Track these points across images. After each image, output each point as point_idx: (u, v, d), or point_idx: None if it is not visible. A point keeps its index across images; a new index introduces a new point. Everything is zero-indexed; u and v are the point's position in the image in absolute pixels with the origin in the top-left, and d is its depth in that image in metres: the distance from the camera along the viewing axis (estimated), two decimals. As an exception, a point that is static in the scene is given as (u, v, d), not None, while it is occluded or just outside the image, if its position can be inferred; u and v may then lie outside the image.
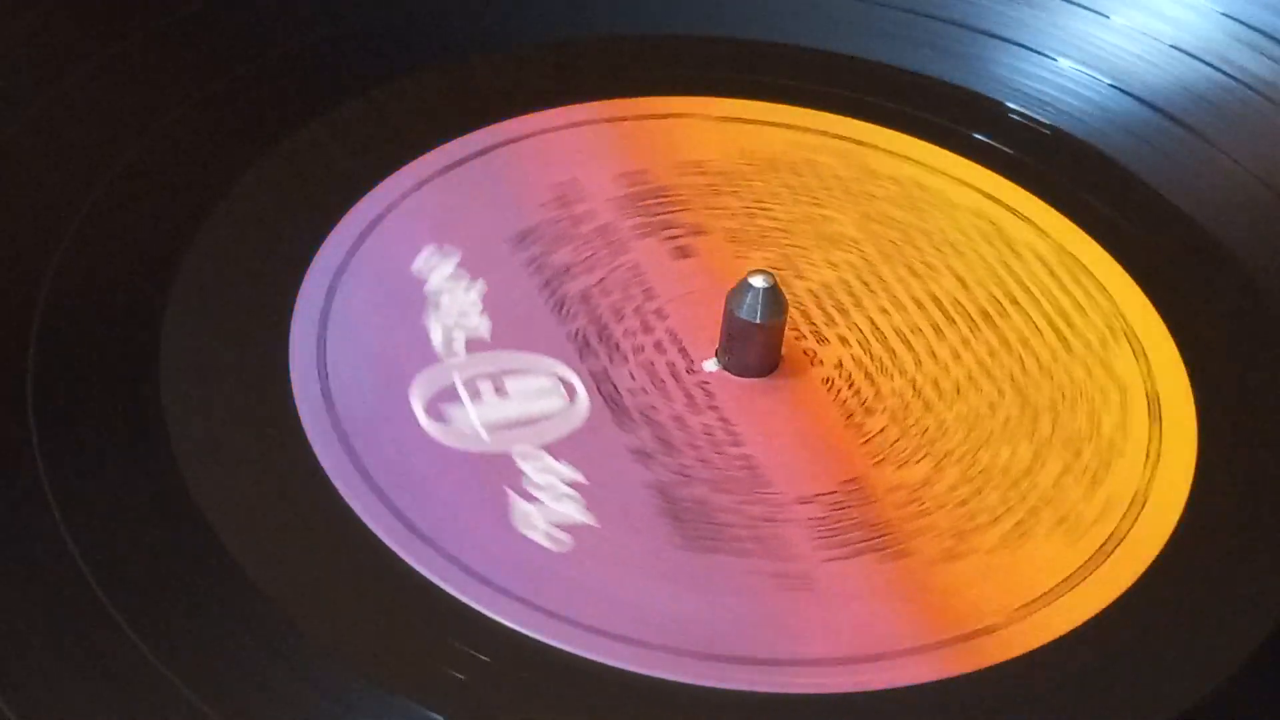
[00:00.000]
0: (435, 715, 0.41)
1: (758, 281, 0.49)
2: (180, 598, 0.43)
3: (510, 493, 0.46)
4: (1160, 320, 0.52)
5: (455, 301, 0.51)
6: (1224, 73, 0.60)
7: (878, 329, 0.51)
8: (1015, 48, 0.61)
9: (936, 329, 0.51)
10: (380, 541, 0.45)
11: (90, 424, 0.46)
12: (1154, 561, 0.46)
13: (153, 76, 0.55)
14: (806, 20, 0.61)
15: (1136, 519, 0.47)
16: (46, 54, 0.55)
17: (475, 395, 0.49)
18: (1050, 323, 0.52)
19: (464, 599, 0.44)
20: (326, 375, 0.48)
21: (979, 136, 0.58)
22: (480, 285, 0.51)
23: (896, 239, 0.54)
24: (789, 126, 0.57)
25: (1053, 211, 0.56)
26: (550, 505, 0.46)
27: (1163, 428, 0.49)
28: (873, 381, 0.50)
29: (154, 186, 0.52)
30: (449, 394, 0.49)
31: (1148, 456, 0.49)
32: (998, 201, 0.56)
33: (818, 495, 0.47)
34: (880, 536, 0.46)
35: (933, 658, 0.43)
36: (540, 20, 0.60)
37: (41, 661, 0.41)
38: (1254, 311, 0.53)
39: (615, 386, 0.49)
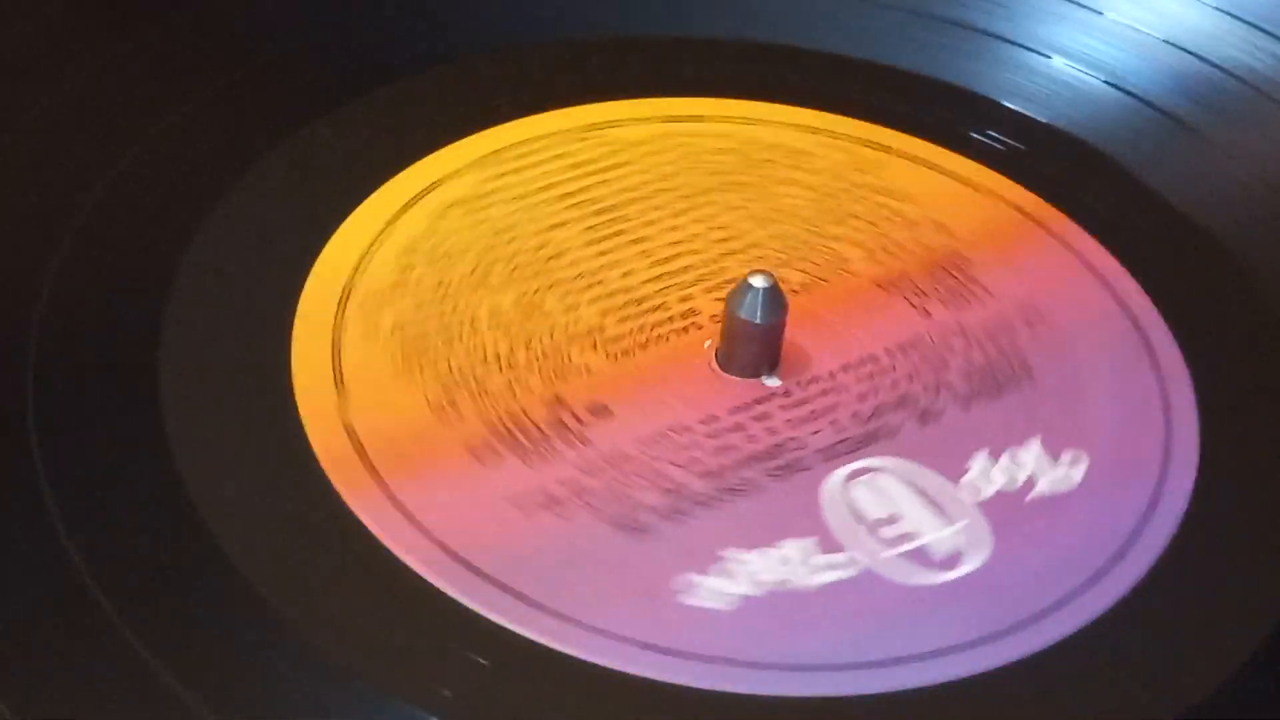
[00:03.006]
0: (433, 716, 0.41)
1: (758, 281, 0.49)
2: (179, 599, 0.43)
3: None
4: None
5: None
6: (1219, 67, 0.60)
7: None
8: (1009, 45, 0.61)
9: None
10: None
11: (90, 424, 0.46)
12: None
13: (153, 76, 0.55)
14: (805, 20, 0.61)
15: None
16: (46, 54, 0.55)
17: None
18: None
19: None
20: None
21: (974, 134, 0.58)
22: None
23: None
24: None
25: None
26: None
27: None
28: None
29: (154, 186, 0.52)
30: None
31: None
32: None
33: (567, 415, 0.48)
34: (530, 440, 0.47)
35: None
36: (541, 20, 0.60)
37: (41, 661, 0.41)
38: (1254, 310, 0.53)
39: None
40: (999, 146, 0.58)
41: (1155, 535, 0.47)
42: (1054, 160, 0.58)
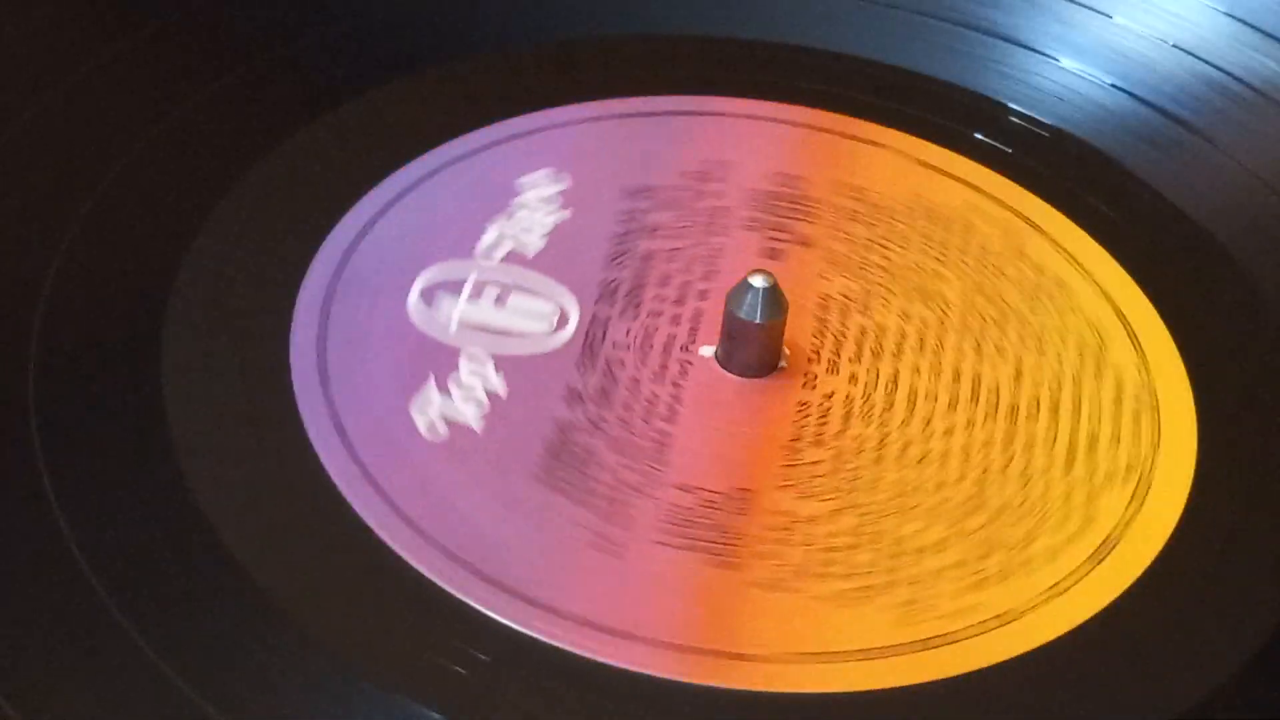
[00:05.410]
0: (434, 714, 0.41)
1: (758, 281, 0.49)
2: (180, 597, 0.43)
3: (431, 378, 0.48)
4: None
5: (530, 219, 0.52)
6: (1225, 72, 0.60)
7: (895, 382, 0.50)
8: (1017, 47, 0.61)
9: (952, 403, 0.50)
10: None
11: (90, 424, 0.46)
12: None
13: (153, 76, 0.55)
14: (806, 20, 0.61)
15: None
16: (47, 54, 0.55)
17: (475, 295, 0.50)
18: (1070, 444, 0.49)
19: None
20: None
21: (980, 136, 0.58)
22: (564, 215, 0.52)
23: (990, 318, 0.52)
24: (969, 185, 0.56)
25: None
26: (455, 401, 0.48)
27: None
28: (846, 421, 0.49)
29: (154, 186, 0.52)
30: (454, 286, 0.51)
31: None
32: (1125, 322, 0.53)
33: (699, 489, 0.47)
34: (725, 544, 0.46)
35: (672, 656, 0.43)
36: (543, 20, 0.60)
37: (42, 661, 0.41)
38: (1254, 311, 0.53)
39: (605, 334, 0.50)
40: (1005, 149, 0.58)
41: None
42: (1060, 163, 0.57)
